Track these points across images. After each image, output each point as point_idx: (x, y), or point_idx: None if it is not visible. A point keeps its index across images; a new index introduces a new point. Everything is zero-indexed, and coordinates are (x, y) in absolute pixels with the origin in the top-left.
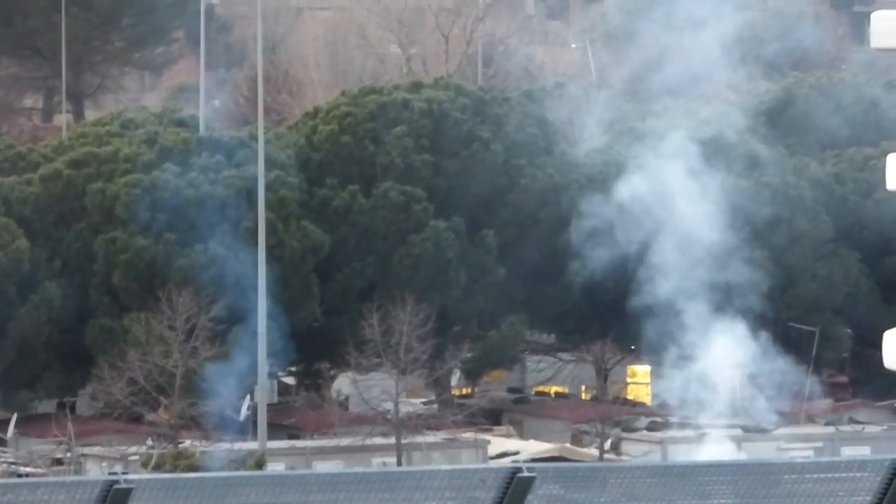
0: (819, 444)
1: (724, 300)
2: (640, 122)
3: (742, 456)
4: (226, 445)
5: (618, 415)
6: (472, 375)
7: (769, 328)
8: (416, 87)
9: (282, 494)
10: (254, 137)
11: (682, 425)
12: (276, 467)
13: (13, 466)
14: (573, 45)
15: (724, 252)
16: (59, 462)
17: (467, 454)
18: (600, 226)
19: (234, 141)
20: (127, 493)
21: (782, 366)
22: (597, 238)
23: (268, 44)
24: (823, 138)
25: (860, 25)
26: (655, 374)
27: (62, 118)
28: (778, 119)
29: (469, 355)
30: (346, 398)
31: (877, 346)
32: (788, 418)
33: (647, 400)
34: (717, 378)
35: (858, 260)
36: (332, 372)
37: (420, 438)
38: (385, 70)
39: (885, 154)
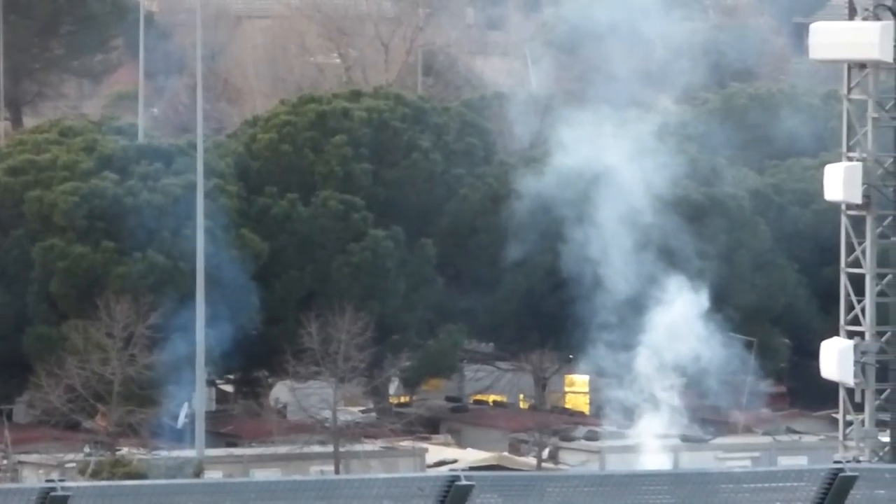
0: (756, 454)
1: (662, 310)
2: (579, 131)
3: (680, 465)
4: (163, 453)
5: (556, 424)
6: (410, 384)
7: (708, 338)
8: (356, 95)
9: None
10: (193, 146)
11: (620, 435)
12: (213, 475)
13: None
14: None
15: (662, 263)
16: None
17: (405, 463)
18: (538, 234)
19: (174, 149)
20: (64, 500)
21: (720, 376)
22: (534, 247)
23: (207, 52)
24: (763, 149)
25: (800, 37)
26: (594, 384)
27: (0, 125)
28: (717, 129)
29: (407, 364)
30: (285, 406)
31: (814, 355)
32: (726, 428)
33: (586, 409)
34: (655, 388)
35: (797, 270)
36: (270, 380)
37: (358, 447)
38: (325, 79)
39: (824, 165)
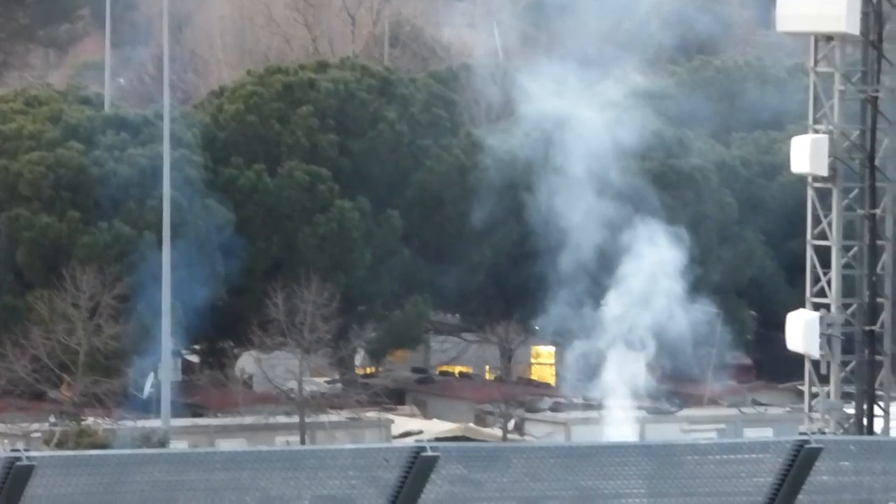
0: (722, 426)
1: (629, 283)
2: (545, 103)
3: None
4: (129, 423)
5: (521, 395)
6: (376, 355)
7: (674, 310)
8: (323, 67)
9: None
10: (159, 116)
11: (586, 406)
12: (179, 445)
13: None
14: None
15: (628, 235)
16: None
17: (371, 434)
18: (504, 206)
19: (140, 119)
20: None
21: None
22: (500, 218)
23: (174, 22)
24: (729, 121)
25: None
26: (559, 356)
27: None
28: (684, 101)
29: (373, 335)
30: (250, 377)
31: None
32: (692, 400)
33: (551, 381)
34: (621, 359)
35: (763, 242)
36: (236, 350)
37: (324, 417)
38: (291, 50)
39: (790, 137)
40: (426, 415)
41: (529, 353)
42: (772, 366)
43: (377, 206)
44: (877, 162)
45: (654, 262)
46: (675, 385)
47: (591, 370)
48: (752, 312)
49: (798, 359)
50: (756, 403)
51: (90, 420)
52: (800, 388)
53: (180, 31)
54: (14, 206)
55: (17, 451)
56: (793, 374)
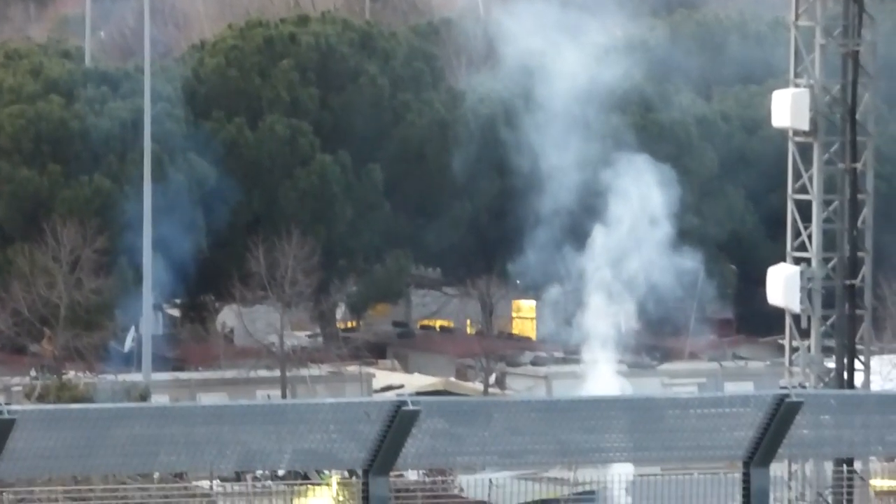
0: (703, 380)
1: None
2: (526, 58)
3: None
4: (110, 377)
5: (502, 350)
6: (357, 309)
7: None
8: (304, 21)
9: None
10: (140, 70)
11: (567, 361)
12: (160, 399)
13: None
14: None
15: (609, 190)
16: None
17: (352, 387)
18: (486, 161)
19: (120, 73)
20: (10, 423)
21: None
22: (482, 173)
23: None
24: (710, 75)
25: None
26: (540, 310)
27: None
28: (664, 57)
29: (354, 289)
30: (231, 331)
31: (761, 282)
32: (672, 354)
33: (533, 335)
34: (602, 313)
35: (743, 197)
36: (217, 304)
37: (305, 371)
38: (272, 4)
39: (771, 92)
40: (407, 369)
41: (510, 308)
42: (752, 320)
43: (358, 160)
44: (857, 116)
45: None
46: (655, 339)
47: (572, 324)
48: (733, 266)
49: (779, 313)
50: (736, 357)
51: (71, 374)
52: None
53: None
54: None
55: None
56: (773, 329)
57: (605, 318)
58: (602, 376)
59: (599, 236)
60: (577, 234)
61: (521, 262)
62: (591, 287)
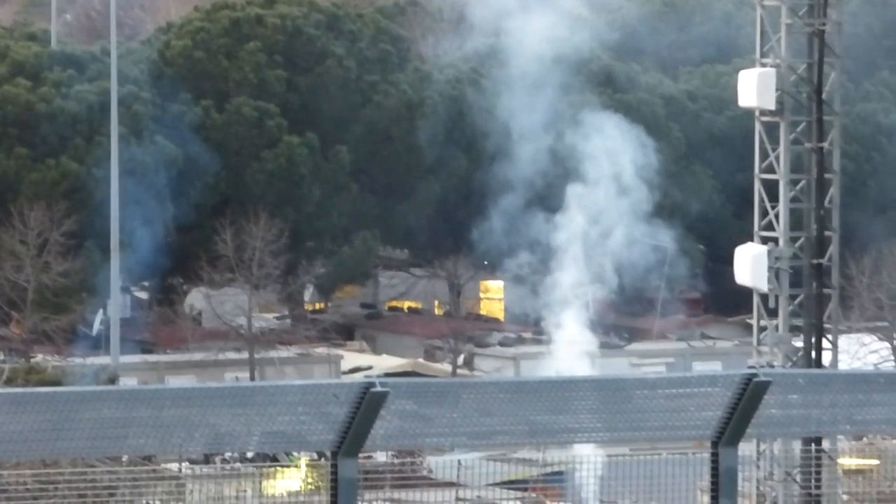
0: (671, 360)
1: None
2: (493, 38)
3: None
4: (78, 360)
5: (471, 330)
6: (324, 291)
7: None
8: (270, 2)
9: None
10: (106, 52)
11: (535, 341)
12: (128, 382)
13: None
14: None
15: (573, 169)
16: None
17: (320, 369)
18: (453, 142)
19: (87, 56)
20: None
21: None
22: (450, 154)
23: None
24: (676, 55)
25: None
26: (508, 291)
27: None
28: (631, 36)
29: (322, 270)
30: (199, 313)
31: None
32: (640, 334)
33: (501, 316)
34: (569, 293)
35: (710, 176)
36: (185, 287)
37: (273, 353)
38: None
39: (738, 71)
40: (375, 350)
41: (478, 288)
42: (720, 299)
43: (325, 141)
44: (824, 95)
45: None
46: (623, 319)
47: (539, 304)
48: (700, 246)
49: (746, 292)
50: (705, 337)
51: (39, 357)
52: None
53: None
54: None
55: None
56: (741, 308)
57: (573, 299)
58: (570, 356)
59: (568, 217)
60: (545, 215)
61: (489, 243)
62: (560, 267)
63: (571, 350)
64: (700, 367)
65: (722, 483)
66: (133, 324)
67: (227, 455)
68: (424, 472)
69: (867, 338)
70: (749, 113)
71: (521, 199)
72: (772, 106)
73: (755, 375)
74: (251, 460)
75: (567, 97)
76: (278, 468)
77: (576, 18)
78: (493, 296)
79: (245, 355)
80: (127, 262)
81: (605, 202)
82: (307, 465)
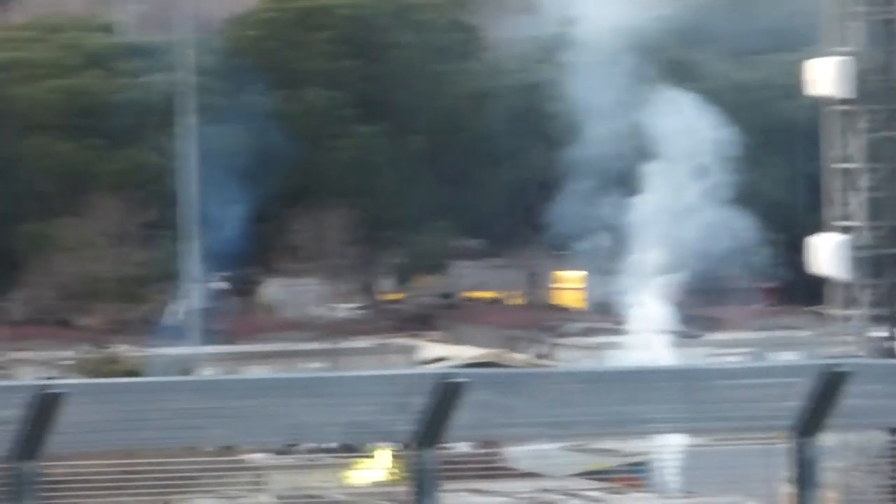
0: (748, 350)
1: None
2: (564, 28)
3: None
4: (157, 350)
5: (550, 321)
6: (401, 280)
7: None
8: None
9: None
10: (178, 42)
11: (614, 331)
12: (206, 372)
13: None
14: None
15: (648, 155)
16: None
17: (397, 359)
18: (528, 129)
19: (159, 46)
20: (59, 397)
21: (713, 272)
22: (525, 142)
23: None
24: (749, 42)
25: None
26: (587, 281)
27: None
28: (704, 25)
29: (398, 260)
30: (277, 303)
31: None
32: (718, 324)
33: (580, 306)
34: (648, 283)
35: (781, 165)
36: (262, 277)
37: (350, 343)
38: None
39: (810, 59)
40: (453, 340)
41: (556, 278)
42: (797, 289)
43: (398, 130)
44: None
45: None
46: (701, 308)
47: (619, 293)
48: (777, 235)
49: (823, 282)
50: (781, 327)
51: (118, 347)
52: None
53: None
54: (35, 133)
55: (46, 378)
56: (818, 298)
57: (652, 288)
58: (649, 346)
59: (645, 204)
60: (621, 202)
61: (565, 232)
62: (638, 256)
63: (650, 340)
64: (777, 357)
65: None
66: (211, 314)
67: (307, 446)
68: (505, 463)
69: None
70: (822, 101)
71: (596, 186)
72: (849, 94)
73: (836, 365)
74: (331, 451)
75: (638, 85)
76: (358, 458)
77: (646, 7)
78: (571, 285)
79: (323, 345)
80: (205, 254)
81: (680, 190)
82: (387, 456)
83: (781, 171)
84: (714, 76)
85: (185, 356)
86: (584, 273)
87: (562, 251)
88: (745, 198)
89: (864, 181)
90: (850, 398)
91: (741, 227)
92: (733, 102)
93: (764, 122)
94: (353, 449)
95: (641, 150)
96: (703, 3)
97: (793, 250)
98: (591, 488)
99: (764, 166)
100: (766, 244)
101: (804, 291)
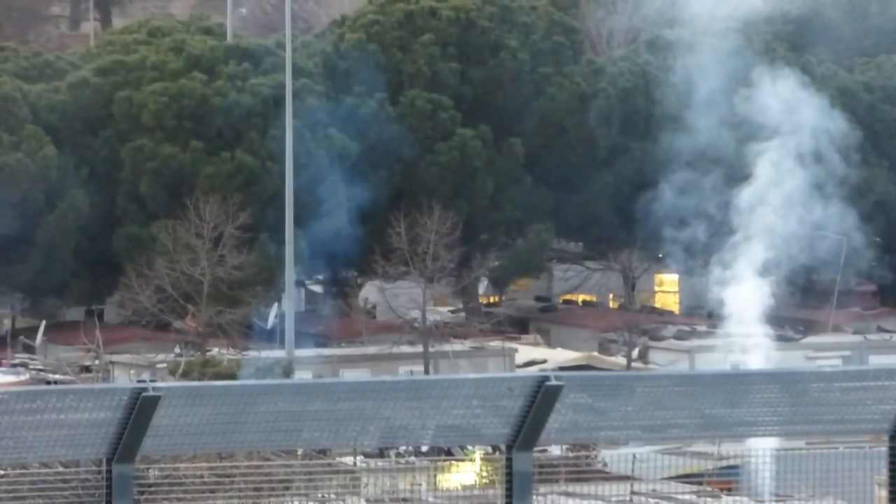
0: (847, 353)
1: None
2: (667, 30)
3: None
4: (253, 353)
5: (645, 323)
6: (499, 284)
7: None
8: None
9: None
10: (281, 46)
11: (710, 334)
12: (303, 375)
13: (42, 374)
14: None
15: (749, 162)
16: (87, 369)
17: (494, 362)
18: (627, 133)
19: (262, 49)
20: (155, 400)
21: (811, 274)
22: (623, 146)
23: None
24: (852, 46)
25: None
26: (683, 283)
27: (89, 26)
28: (805, 28)
29: (496, 264)
30: (374, 306)
31: None
32: (816, 327)
33: (675, 308)
34: (745, 286)
35: (887, 168)
36: (359, 280)
37: (447, 347)
38: None
39: None
40: (550, 343)
41: (653, 281)
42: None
43: (499, 134)
44: None
45: (777, 190)
46: (799, 311)
47: (715, 296)
48: (877, 238)
49: None
50: (881, 330)
51: (215, 350)
52: None
53: None
54: (137, 136)
55: (144, 381)
56: None
57: (749, 291)
58: (745, 349)
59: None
60: (720, 208)
61: (664, 235)
62: (735, 259)
63: (746, 343)
64: (876, 361)
65: None
66: (308, 317)
67: (402, 449)
68: (599, 466)
69: None
70: None
71: (698, 187)
72: None
73: None
74: (426, 454)
75: (743, 89)
76: (453, 462)
77: (751, 10)
78: (667, 288)
79: (419, 349)
80: (301, 256)
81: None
82: (482, 459)
83: (885, 173)
84: (818, 79)
85: (281, 359)
86: (678, 275)
87: (660, 253)
88: (849, 199)
89: None
90: None
91: (846, 226)
92: (842, 103)
93: (870, 124)
94: (448, 452)
95: (744, 156)
96: (809, 6)
97: (895, 253)
98: (685, 492)
99: (868, 168)
100: (869, 246)
101: None
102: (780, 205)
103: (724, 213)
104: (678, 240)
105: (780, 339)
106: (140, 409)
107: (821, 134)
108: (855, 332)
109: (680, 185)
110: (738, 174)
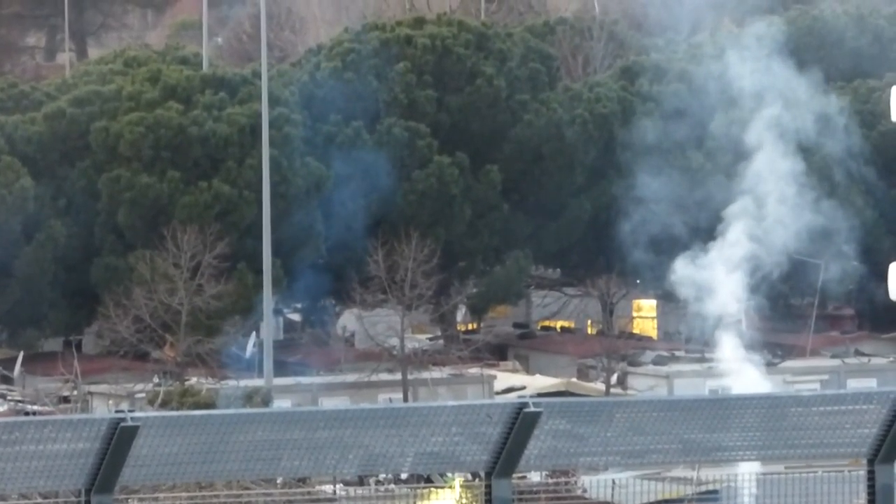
0: (825, 377)
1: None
2: (643, 56)
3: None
4: (232, 382)
5: (623, 349)
6: (477, 311)
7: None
8: (419, 23)
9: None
10: (257, 75)
11: (688, 359)
12: (282, 404)
13: (20, 405)
14: None
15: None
16: (65, 400)
17: (473, 390)
18: (605, 160)
19: (238, 78)
20: (134, 430)
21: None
22: (600, 172)
23: None
24: (828, 70)
25: None
26: (661, 309)
27: (65, 56)
28: (781, 52)
29: (474, 291)
30: (352, 334)
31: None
32: (794, 351)
33: (654, 334)
34: (722, 311)
35: (863, 192)
36: (337, 308)
37: (426, 374)
38: (388, 6)
39: (890, 86)
40: (528, 370)
41: (631, 307)
42: (874, 316)
43: (476, 161)
44: None
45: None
46: (776, 335)
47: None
48: (855, 262)
49: None
50: (859, 354)
51: (193, 380)
52: None
53: None
54: (114, 166)
55: (122, 411)
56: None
57: (725, 317)
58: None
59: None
60: (698, 233)
61: (641, 261)
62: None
63: (724, 368)
64: (854, 385)
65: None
66: (286, 346)
67: (381, 476)
68: (578, 492)
69: None
70: None
71: (674, 216)
72: None
73: None
74: (405, 481)
75: (719, 117)
76: (432, 489)
77: (724, 36)
78: (645, 314)
79: (398, 376)
80: (279, 285)
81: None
82: (461, 486)
83: (860, 197)
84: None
85: (260, 388)
86: (656, 302)
87: (637, 280)
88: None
89: None
90: None
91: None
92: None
93: (846, 148)
94: (427, 479)
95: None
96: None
97: (873, 277)
98: None
99: (843, 192)
100: (846, 270)
101: (883, 319)
102: (759, 231)
103: (702, 238)
104: (655, 265)
105: (759, 363)
106: (118, 440)
107: (805, 157)
108: (833, 357)
109: (657, 211)
110: (717, 205)
